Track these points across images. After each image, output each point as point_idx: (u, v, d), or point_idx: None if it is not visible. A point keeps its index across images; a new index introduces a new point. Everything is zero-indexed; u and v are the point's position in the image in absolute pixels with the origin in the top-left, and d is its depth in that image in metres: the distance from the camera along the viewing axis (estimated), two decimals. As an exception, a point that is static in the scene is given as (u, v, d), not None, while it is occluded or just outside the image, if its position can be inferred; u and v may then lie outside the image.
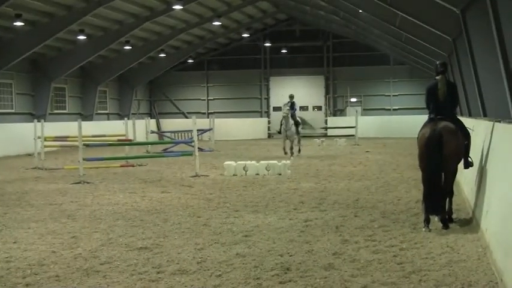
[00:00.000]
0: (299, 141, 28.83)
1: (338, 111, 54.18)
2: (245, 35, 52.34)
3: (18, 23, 32.29)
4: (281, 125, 27.41)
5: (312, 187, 17.49)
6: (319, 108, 54.40)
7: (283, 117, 27.06)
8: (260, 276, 8.14)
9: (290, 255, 9.21)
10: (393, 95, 52.57)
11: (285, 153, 27.29)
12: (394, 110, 52.17)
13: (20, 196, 16.55)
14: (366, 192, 16.30)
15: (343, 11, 35.79)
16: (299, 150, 28.73)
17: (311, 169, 22.70)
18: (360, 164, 24.40)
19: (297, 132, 27.89)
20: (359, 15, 33.49)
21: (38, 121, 25.87)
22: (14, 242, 10.54)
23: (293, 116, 27.67)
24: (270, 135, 51.91)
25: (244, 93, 54.45)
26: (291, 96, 28.59)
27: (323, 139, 40.13)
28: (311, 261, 8.83)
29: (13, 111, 38.91)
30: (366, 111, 52.33)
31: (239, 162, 21.53)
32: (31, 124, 27.24)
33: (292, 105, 27.91)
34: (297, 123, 27.87)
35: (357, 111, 44.25)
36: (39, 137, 25.11)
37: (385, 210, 13.25)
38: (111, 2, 33.81)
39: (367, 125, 46.71)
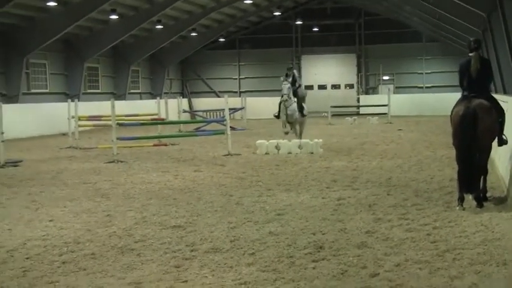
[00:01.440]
0: (302, 126, 23.16)
1: (370, 90, 53.85)
2: (276, 13, 52.13)
3: (51, 3, 32.54)
4: (279, 108, 22.32)
5: (345, 165, 17.45)
6: (351, 86, 54.15)
7: (284, 99, 21.79)
8: (293, 254, 8.16)
9: (323, 234, 9.22)
10: (426, 73, 52.11)
11: (285, 133, 22.18)
12: (427, 87, 51.74)
13: (55, 175, 16.75)
14: (398, 170, 16.22)
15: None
16: (299, 137, 22.76)
17: (343, 147, 22.64)
18: (393, 142, 24.27)
19: (302, 114, 22.46)
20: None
21: (72, 101, 26.10)
22: (50, 220, 10.69)
23: (296, 94, 22.33)
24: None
25: (275, 72, 54.13)
26: (289, 69, 23.23)
27: (355, 117, 39.97)
28: (344, 240, 8.83)
29: (47, 91, 39.30)
30: (398, 89, 51.96)
31: (271, 140, 21.54)
32: (65, 104, 27.48)
33: (293, 80, 22.35)
34: (301, 102, 22.49)
35: (389, 89, 44.02)
36: (73, 117, 25.34)
37: (418, 188, 13.19)
38: (142, -19, 33.91)
39: (400, 103, 46.28)
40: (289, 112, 21.91)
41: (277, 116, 22.51)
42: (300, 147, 20.92)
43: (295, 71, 23.20)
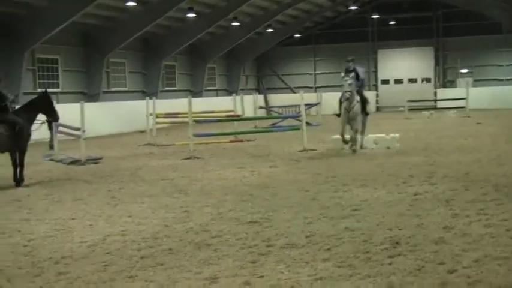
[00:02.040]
0: (364, 127, 20.43)
1: (448, 83, 52.89)
2: (352, 8, 51.74)
3: (131, 3, 33.12)
4: (340, 103, 19.66)
5: (421, 160, 17.22)
6: (429, 80, 53.29)
7: (346, 97, 19.29)
8: (369, 250, 8.13)
9: (399, 229, 9.14)
10: (506, 65, 50.79)
11: (344, 141, 19.64)
12: (507, 80, 50.44)
13: (133, 172, 17.09)
14: (477, 165, 15.91)
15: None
16: (361, 145, 20.28)
17: (420, 142, 22.34)
18: (471, 137, 23.81)
19: (365, 113, 20.13)
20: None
21: (150, 98, 26.55)
22: (129, 216, 10.92)
23: (359, 91, 19.85)
24: (378, 109, 51.26)
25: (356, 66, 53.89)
26: (351, 60, 20.28)
27: (432, 111, 39.34)
28: (421, 235, 8.73)
29: (126, 89, 40.08)
30: (477, 82, 50.81)
31: (347, 136, 21.41)
32: (143, 101, 27.98)
33: (355, 74, 19.69)
34: (364, 101, 20.00)
35: (467, 82, 43.13)
36: (151, 114, 25.78)
37: (498, 183, 12.91)
38: (218, -21, 34.20)
39: (479, 96, 45.18)
40: (351, 114, 19.22)
41: (339, 114, 19.79)
42: (375, 142, 20.74)
43: (357, 68, 20.13)
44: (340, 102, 19.60)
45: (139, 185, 14.71)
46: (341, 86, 19.73)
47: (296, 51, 54.95)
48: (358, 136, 19.89)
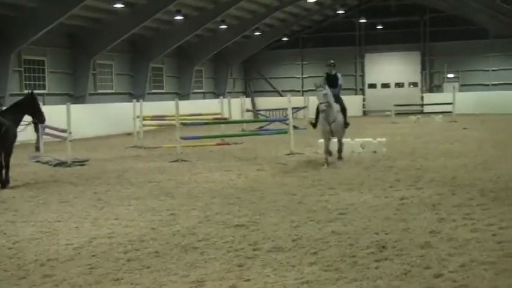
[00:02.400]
0: (340, 140, 18.55)
1: (435, 88, 53.09)
2: (340, 12, 51.85)
3: (118, 5, 33.04)
4: (317, 114, 17.86)
5: (408, 165, 17.28)
6: (415, 84, 53.44)
7: (323, 109, 17.24)
8: (356, 254, 8.14)
9: (386, 233, 9.16)
10: (492, 70, 51.03)
11: (329, 153, 17.96)
12: (493, 85, 50.69)
13: (120, 174, 17.04)
14: (463, 169, 15.99)
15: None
16: (340, 156, 18.52)
17: (407, 147, 22.40)
18: (457, 141, 23.91)
19: (345, 124, 18.18)
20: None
21: (137, 101, 26.50)
22: (116, 219, 10.89)
23: (337, 98, 17.96)
24: (364, 113, 51.40)
25: (339, 70, 53.65)
26: (331, 65, 18.78)
27: (419, 116, 39.48)
28: (407, 240, 8.76)
29: (113, 91, 39.96)
30: (464, 87, 50.99)
31: (333, 140, 21.42)
32: (130, 104, 27.92)
33: (334, 79, 18.35)
34: (344, 109, 18.11)
35: (454, 87, 43.30)
36: (138, 117, 25.73)
37: (484, 188, 12.98)
38: (206, -18, 34.18)
39: (465, 101, 45.36)
40: (335, 126, 17.54)
41: (315, 125, 18.18)
42: (362, 146, 20.79)
43: (336, 72, 18.79)
44: (318, 112, 17.76)
45: (126, 187, 14.67)
46: (319, 95, 17.31)
47: (283, 55, 54.99)
48: (340, 152, 18.48)
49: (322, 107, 17.06)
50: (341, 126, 17.86)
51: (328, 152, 17.80)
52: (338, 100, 17.91)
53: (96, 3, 32.52)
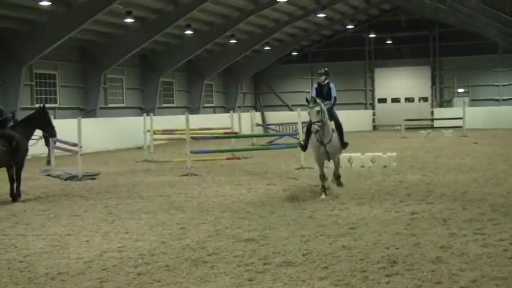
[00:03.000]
0: (337, 164, 15.68)
1: (445, 102, 53.03)
2: (349, 27, 51.94)
3: (129, 20, 33.21)
4: (307, 135, 15.37)
5: (419, 179, 17.24)
6: (425, 99, 53.42)
7: (316, 129, 14.33)
8: (366, 268, 8.12)
9: (396, 248, 9.14)
10: (502, 85, 50.95)
11: (324, 188, 14.74)
12: (504, 100, 50.61)
13: (130, 188, 17.07)
14: (474, 184, 15.93)
15: (449, -1, 34.99)
16: (338, 181, 15.60)
17: (417, 161, 22.35)
18: (468, 156, 23.84)
19: (343, 144, 15.46)
20: (466, 3, 32.63)
21: (147, 115, 26.57)
22: (126, 233, 10.91)
23: (331, 113, 15.15)
24: (374, 127, 51.36)
25: (348, 85, 53.94)
26: (323, 73, 15.71)
27: (429, 131, 39.40)
28: (418, 255, 8.73)
29: (124, 105, 40.11)
30: (474, 101, 50.96)
31: (344, 154, 21.41)
32: (140, 118, 28.00)
33: (327, 91, 15.52)
34: (339, 127, 15.35)
35: (464, 102, 43.24)
36: (148, 131, 25.79)
37: (495, 203, 12.93)
38: (216, -4, 34.32)
39: (475, 116, 45.33)
40: (330, 149, 14.84)
41: (305, 147, 15.71)
42: (372, 160, 20.77)
43: (329, 81, 15.75)
44: (308, 132, 15.15)
45: (137, 201, 14.69)
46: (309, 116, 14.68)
47: (293, 69, 55.11)
48: (336, 178, 15.51)
49: (316, 127, 14.23)
50: (337, 147, 15.08)
51: (325, 178, 14.96)
52: (332, 116, 15.14)
53: (106, 18, 32.67)
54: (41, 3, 27.63)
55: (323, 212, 12.36)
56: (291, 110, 52.30)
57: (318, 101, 14.40)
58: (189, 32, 38.36)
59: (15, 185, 15.17)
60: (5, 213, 13.39)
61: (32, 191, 16.55)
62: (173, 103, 45.48)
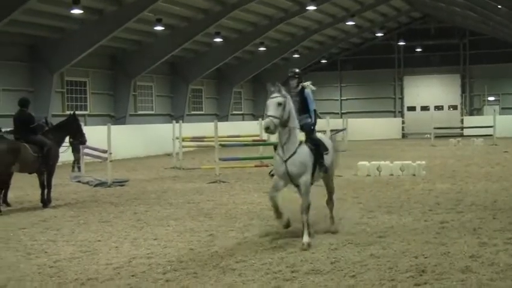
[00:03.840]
0: (331, 192, 11.90)
1: (475, 111, 52.62)
2: (379, 34, 51.80)
3: (159, 28, 33.44)
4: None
5: (448, 188, 17.12)
6: (455, 107, 53.06)
7: (266, 122, 10.35)
8: (395, 277, 8.08)
9: (425, 257, 9.08)
10: (534, 93, 50.45)
11: (279, 216, 10.78)
12: (535, 108, 50.09)
13: (159, 195, 17.16)
14: (504, 193, 15.78)
15: (480, 7, 34.72)
16: (332, 220, 11.57)
17: (447, 170, 22.20)
18: (498, 165, 23.61)
19: (320, 167, 10.86)
20: (497, 11, 32.39)
21: (176, 122, 26.69)
22: (155, 239, 10.96)
23: (308, 129, 11.03)
24: (404, 136, 51.07)
25: (377, 93, 53.83)
26: (295, 75, 11.78)
27: (459, 139, 39.08)
28: (447, 264, 8.67)
29: (153, 112, 40.37)
30: (505, 110, 50.46)
31: (373, 162, 21.36)
32: (170, 125, 28.14)
33: (300, 102, 11.39)
34: (318, 145, 10.92)
35: (494, 110, 42.82)
36: (177, 138, 25.90)
37: (526, 212, 12.81)
38: (246, 4, 34.40)
39: (506, 124, 44.70)
40: (293, 169, 10.42)
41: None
42: (401, 169, 20.66)
43: (307, 85, 11.70)
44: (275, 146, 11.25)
45: (165, 208, 14.77)
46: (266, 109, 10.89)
47: (322, 77, 54.77)
48: (304, 216, 10.47)
49: (268, 121, 10.23)
50: (305, 165, 10.46)
51: (283, 222, 10.84)
52: (310, 136, 10.93)
53: (137, 26, 32.94)
54: (72, 12, 27.93)
55: (351, 220, 12.30)
56: (319, 117, 52.05)
57: (284, 92, 10.69)
58: (218, 39, 38.52)
59: (45, 191, 15.34)
60: (36, 218, 13.54)
61: (63, 197, 16.72)
62: (202, 110, 45.68)
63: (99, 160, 21.89)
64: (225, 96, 47.45)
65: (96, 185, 19.42)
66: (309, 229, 10.36)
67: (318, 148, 10.86)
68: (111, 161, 19.75)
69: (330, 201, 11.84)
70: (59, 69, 31.26)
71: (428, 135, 40.42)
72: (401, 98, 54.27)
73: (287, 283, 8.01)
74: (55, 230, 12.08)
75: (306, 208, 10.53)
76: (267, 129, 10.30)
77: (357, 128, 46.66)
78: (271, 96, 10.58)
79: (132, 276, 8.55)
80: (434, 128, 39.98)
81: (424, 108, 53.32)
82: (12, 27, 27.72)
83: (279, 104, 10.39)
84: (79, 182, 20.59)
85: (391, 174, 20.47)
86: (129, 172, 23.78)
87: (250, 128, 33.72)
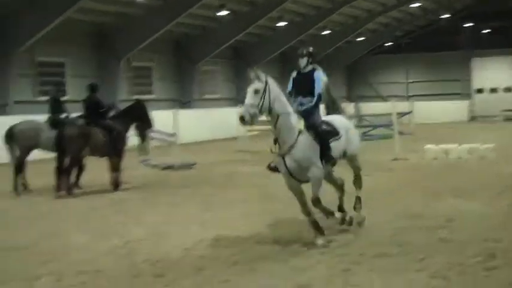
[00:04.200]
0: (357, 173, 11.67)
1: (548, 93, 51.33)
2: (444, 16, 50.90)
3: (223, 13, 33.58)
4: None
5: (518, 172, 16.80)
6: (526, 90, 51.85)
7: (242, 115, 9.32)
8: (463, 262, 8.01)
9: (495, 242, 8.96)
10: None
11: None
12: None
13: (226, 178, 17.33)
14: None
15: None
16: (350, 221, 10.38)
17: (516, 153, 21.76)
18: None
19: (327, 158, 9.73)
20: None
21: (240, 106, 26.81)
22: (222, 222, 11.10)
23: (305, 115, 9.74)
24: (472, 118, 50.16)
25: (444, 76, 52.89)
26: (305, 55, 10.65)
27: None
28: (518, 249, 8.56)
29: (219, 96, 40.67)
30: None
31: (440, 145, 21.08)
32: (234, 109, 28.29)
33: (309, 84, 10.42)
34: (322, 134, 9.63)
35: None
36: (243, 121, 25.98)
37: None
38: (309, -13, 34.30)
39: None
40: (292, 165, 9.41)
41: (275, 168, 10.10)
42: (469, 152, 20.33)
43: (316, 71, 10.47)
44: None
45: (232, 191, 14.90)
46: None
47: (387, 60, 54.35)
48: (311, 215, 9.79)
49: (243, 111, 9.34)
50: (308, 159, 9.36)
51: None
52: (311, 123, 9.60)
53: (201, 11, 33.13)
54: (137, -3, 28.32)
55: (419, 204, 12.22)
56: (385, 101, 51.71)
57: (264, 77, 9.71)
58: (281, 23, 38.44)
59: (115, 174, 15.64)
60: (107, 201, 13.85)
61: (131, 181, 16.99)
62: (265, 94, 45.69)
63: (166, 144, 22.17)
64: (288, 79, 47.15)
65: (164, 168, 19.71)
66: (320, 230, 9.38)
67: (321, 136, 9.48)
68: (178, 145, 19.98)
69: (356, 180, 11.30)
70: (125, 55, 31.72)
71: (497, 118, 39.67)
72: (469, 80, 53.26)
73: (355, 266, 8.03)
74: (125, 212, 12.35)
75: (315, 201, 9.54)
76: (242, 120, 9.13)
77: (424, 111, 46.01)
78: (252, 85, 9.54)
79: (201, 257, 8.70)
80: (503, 111, 39.20)
81: (493, 90, 52.24)
82: (79, 14, 28.19)
83: (256, 91, 9.35)
84: (147, 165, 20.90)
85: (459, 158, 20.16)
86: (196, 155, 23.96)
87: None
